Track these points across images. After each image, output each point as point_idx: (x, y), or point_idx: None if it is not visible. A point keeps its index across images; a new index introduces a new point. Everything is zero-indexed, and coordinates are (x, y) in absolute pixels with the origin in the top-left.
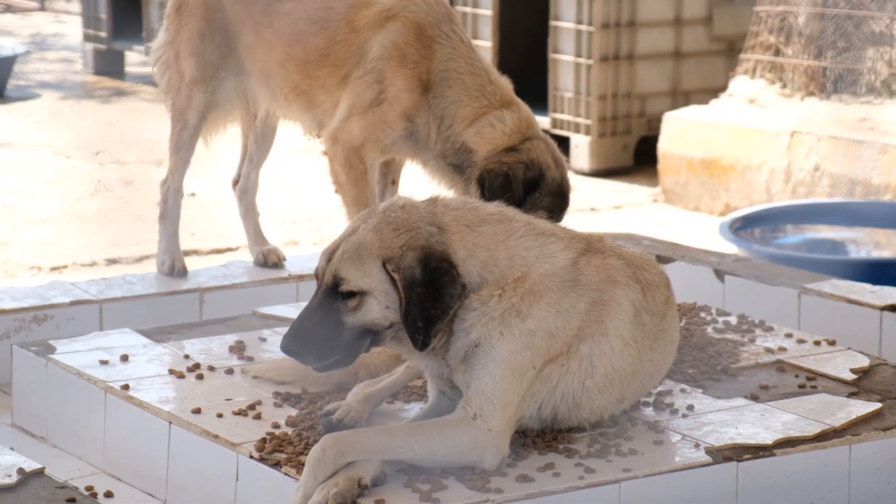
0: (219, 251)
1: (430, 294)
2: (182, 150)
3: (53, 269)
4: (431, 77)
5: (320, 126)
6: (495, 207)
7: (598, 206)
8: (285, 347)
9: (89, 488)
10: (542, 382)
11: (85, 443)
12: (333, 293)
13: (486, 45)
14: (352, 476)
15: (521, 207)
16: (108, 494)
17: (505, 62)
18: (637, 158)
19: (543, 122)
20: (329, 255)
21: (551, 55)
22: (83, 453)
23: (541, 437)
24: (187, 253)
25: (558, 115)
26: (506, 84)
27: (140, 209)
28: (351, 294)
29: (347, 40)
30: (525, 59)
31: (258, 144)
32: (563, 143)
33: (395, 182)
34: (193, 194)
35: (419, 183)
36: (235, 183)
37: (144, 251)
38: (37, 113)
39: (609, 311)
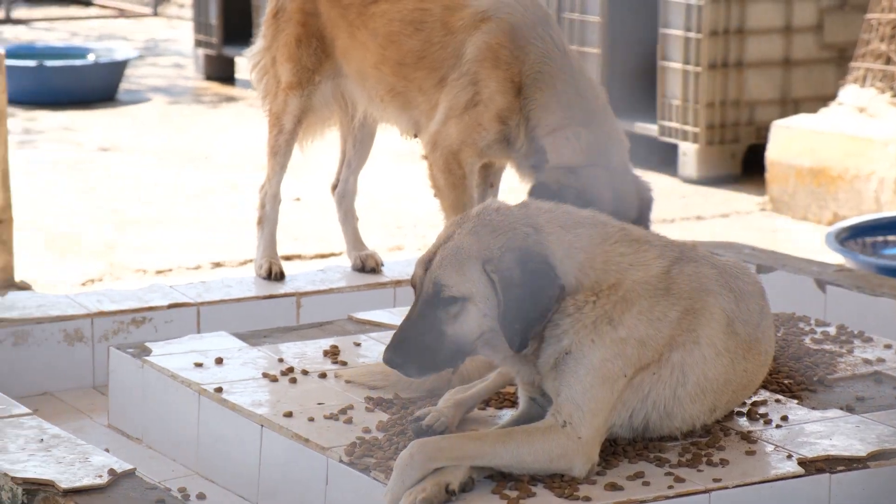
0: (322, 256)
1: (529, 296)
2: (279, 154)
3: (158, 272)
4: (523, 79)
5: (417, 127)
6: (588, 212)
7: (705, 215)
8: (388, 360)
9: (182, 490)
10: (633, 391)
11: (179, 445)
12: (434, 301)
13: (594, 52)
14: (439, 482)
15: None
16: (201, 496)
17: (613, 69)
18: (745, 167)
19: (651, 129)
20: (426, 263)
21: (660, 62)
22: (177, 455)
23: (632, 445)
24: (290, 257)
25: (666, 123)
26: (596, 96)
27: (245, 213)
28: (453, 300)
29: (443, 42)
30: (633, 66)
31: (357, 149)
32: (672, 150)
33: (493, 185)
34: (298, 199)
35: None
36: (334, 188)
37: (248, 255)
38: (146, 117)
39: (701, 319)
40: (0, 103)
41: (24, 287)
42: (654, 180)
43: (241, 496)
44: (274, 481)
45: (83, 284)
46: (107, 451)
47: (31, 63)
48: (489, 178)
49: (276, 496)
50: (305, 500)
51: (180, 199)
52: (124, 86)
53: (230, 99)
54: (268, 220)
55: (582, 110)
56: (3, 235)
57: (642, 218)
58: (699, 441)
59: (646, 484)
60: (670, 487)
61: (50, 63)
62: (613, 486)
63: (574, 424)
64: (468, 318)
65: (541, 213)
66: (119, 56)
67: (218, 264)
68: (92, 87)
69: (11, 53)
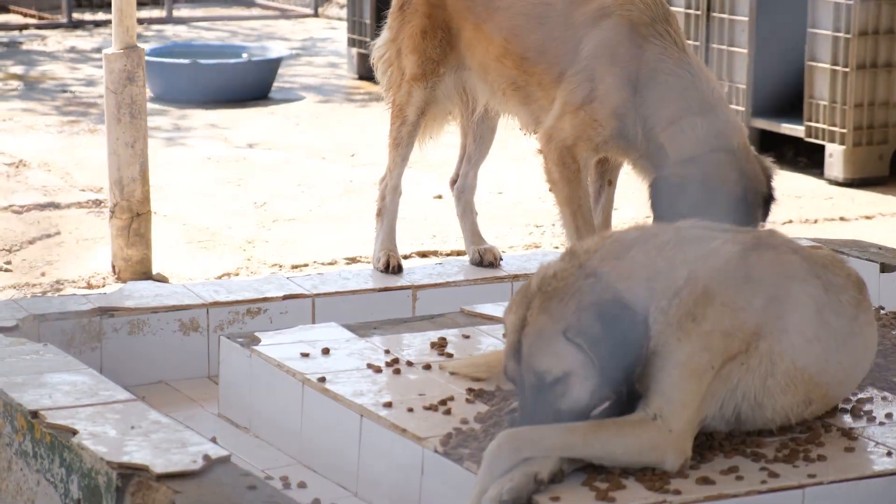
0: (459, 254)
1: (618, 344)
2: (401, 146)
3: (294, 266)
4: (640, 77)
5: (536, 122)
6: (635, 230)
7: (848, 216)
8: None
9: (284, 478)
10: (721, 382)
11: (284, 434)
12: (541, 389)
13: (742, 52)
14: (528, 472)
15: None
16: (302, 485)
17: (760, 70)
18: (893, 168)
19: (798, 130)
20: (515, 356)
21: (808, 63)
22: (282, 444)
23: (728, 440)
24: (426, 254)
25: (813, 124)
26: (712, 89)
27: None
28: (556, 381)
29: (563, 37)
30: (780, 66)
31: (477, 144)
32: (818, 151)
33: (611, 183)
34: (440, 196)
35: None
36: (453, 182)
37: None
38: (298, 115)
39: (788, 307)
40: (140, 98)
41: (160, 280)
42: (800, 182)
43: (342, 485)
44: (372, 471)
45: (218, 278)
46: (213, 439)
47: (185, 61)
48: (606, 175)
49: (375, 486)
50: (402, 490)
51: (324, 196)
52: (278, 84)
53: (380, 98)
54: (387, 213)
55: (697, 101)
56: (141, 229)
57: (769, 196)
58: (798, 437)
59: (739, 478)
60: (763, 482)
61: (203, 61)
62: (705, 480)
63: (665, 417)
64: (575, 389)
65: (592, 257)
66: (272, 55)
67: (353, 260)
68: (245, 86)
69: (167, 51)
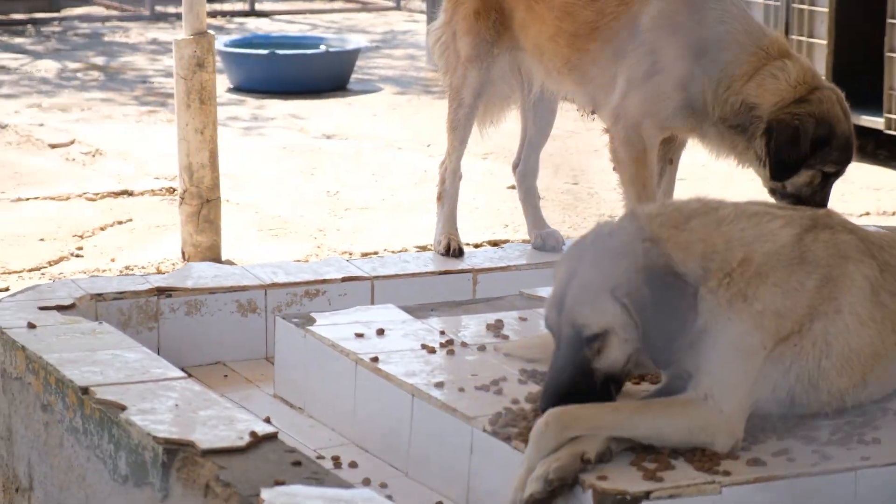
0: (529, 242)
1: (664, 311)
2: (458, 129)
3: (364, 254)
4: (704, 43)
5: (594, 103)
6: (696, 202)
7: None
8: (545, 409)
9: (335, 458)
10: (774, 363)
11: (338, 414)
12: (577, 342)
13: (821, 43)
14: (575, 451)
15: (805, 162)
16: (353, 465)
17: (840, 60)
18: None
19: (877, 123)
20: (558, 305)
21: (887, 54)
22: (336, 424)
23: (782, 422)
24: (497, 243)
25: (893, 116)
26: (782, 38)
27: (460, 200)
28: (594, 337)
29: (616, 13)
30: (860, 58)
31: (538, 127)
32: None
33: (672, 162)
34: (513, 187)
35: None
36: (515, 167)
37: None
38: (375, 106)
39: (841, 287)
40: (209, 84)
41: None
42: (879, 174)
43: (393, 465)
44: (423, 451)
45: None
46: (267, 419)
47: (263, 52)
48: (668, 154)
49: (425, 466)
50: (452, 469)
51: (397, 186)
52: (356, 76)
53: None
54: (448, 197)
55: (773, 49)
56: (210, 215)
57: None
58: (854, 420)
59: (790, 460)
60: (815, 465)
61: (281, 52)
62: (755, 462)
63: (715, 398)
64: (612, 348)
65: (652, 222)
66: (350, 46)
67: (424, 248)
68: (322, 77)
69: (245, 43)
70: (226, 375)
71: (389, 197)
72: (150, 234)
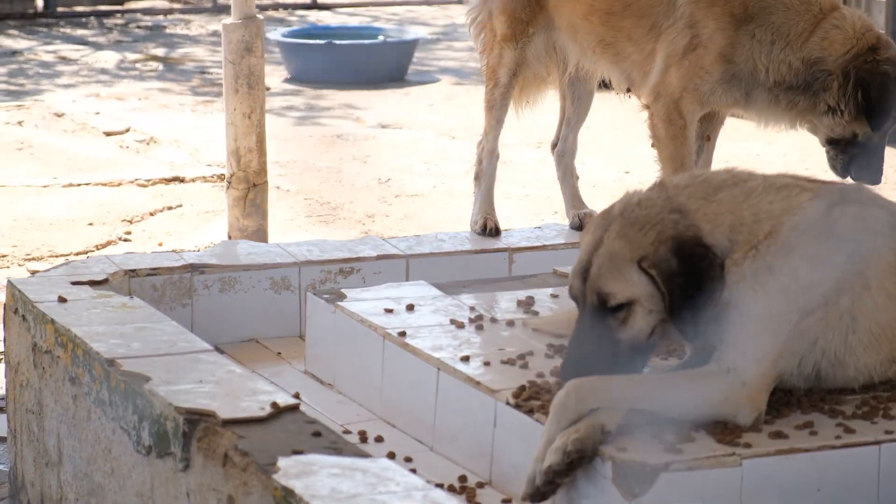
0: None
1: (692, 283)
2: (495, 108)
3: None
4: (748, 9)
5: (630, 80)
6: (725, 173)
7: None
8: (566, 379)
9: (361, 433)
10: (799, 338)
11: (366, 390)
12: (601, 311)
13: (880, 1)
14: (594, 423)
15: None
16: (379, 439)
17: None
18: None
19: None
20: (583, 273)
21: None
22: (364, 400)
23: (807, 397)
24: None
25: None
26: None
27: (508, 189)
28: (620, 307)
29: None
30: None
31: (576, 107)
32: None
33: (709, 138)
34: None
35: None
36: (554, 146)
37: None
38: (432, 96)
39: (869, 262)
40: (258, 69)
41: None
42: None
43: (419, 440)
44: (448, 425)
45: None
46: (296, 395)
47: (321, 42)
48: (706, 132)
49: (451, 440)
50: (476, 443)
51: (449, 174)
52: (415, 67)
53: None
54: (485, 176)
55: (823, 4)
56: (257, 199)
57: None
58: (880, 395)
59: (813, 433)
60: (838, 438)
61: (338, 42)
62: (778, 435)
63: (738, 370)
64: (637, 319)
65: (681, 192)
66: (408, 37)
67: None
68: (380, 67)
69: (304, 33)
70: (258, 352)
71: (440, 185)
72: (199, 220)
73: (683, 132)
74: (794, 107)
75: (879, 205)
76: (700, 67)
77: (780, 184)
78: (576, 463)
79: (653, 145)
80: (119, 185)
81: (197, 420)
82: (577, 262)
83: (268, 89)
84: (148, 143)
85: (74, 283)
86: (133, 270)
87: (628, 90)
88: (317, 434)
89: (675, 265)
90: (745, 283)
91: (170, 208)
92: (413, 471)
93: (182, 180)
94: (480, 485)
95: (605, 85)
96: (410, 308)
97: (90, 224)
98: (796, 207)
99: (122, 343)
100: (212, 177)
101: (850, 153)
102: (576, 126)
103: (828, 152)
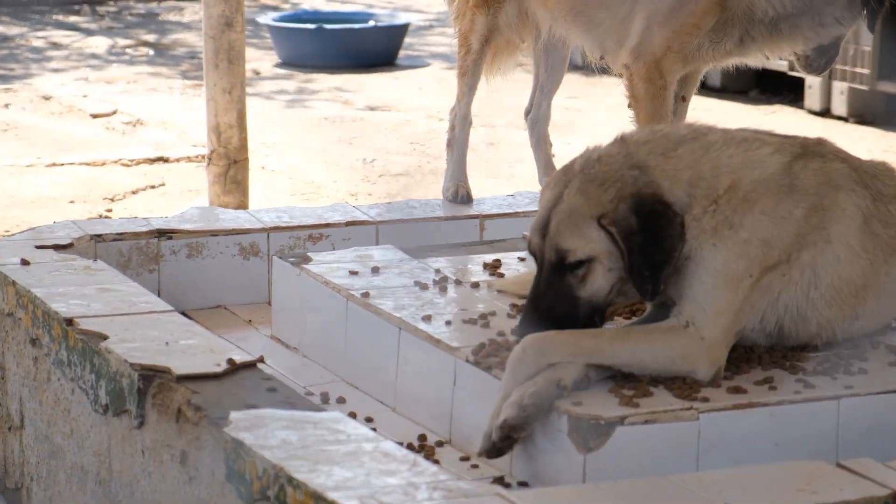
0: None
1: (651, 240)
2: (467, 75)
3: None
4: None
5: (602, 48)
6: (686, 127)
7: None
8: (522, 335)
9: (324, 394)
10: (761, 293)
11: (330, 352)
12: (560, 268)
13: None
14: (551, 378)
15: None
16: (341, 400)
17: (887, 32)
18: None
19: None
20: (542, 230)
21: None
22: (328, 362)
23: (768, 353)
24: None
25: None
26: None
27: (496, 168)
28: (578, 264)
29: None
30: None
31: (549, 74)
32: None
33: (685, 99)
34: (553, 155)
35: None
36: (527, 113)
37: None
38: (421, 80)
39: (831, 216)
40: (238, 44)
41: None
42: None
43: (381, 401)
44: (410, 385)
45: None
46: (261, 358)
47: (311, 26)
48: (681, 92)
49: (413, 400)
50: (437, 403)
51: (434, 154)
52: (406, 52)
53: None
54: (457, 143)
55: None
56: (237, 176)
57: None
58: (842, 352)
59: (772, 389)
60: (797, 393)
61: (329, 26)
62: (737, 390)
63: (697, 325)
64: (596, 276)
65: (641, 148)
66: (398, 21)
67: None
68: (370, 51)
69: (294, 18)
70: (226, 319)
71: (426, 164)
72: (181, 198)
73: (663, 92)
74: (795, 32)
75: (841, 158)
76: (689, 24)
77: (740, 137)
78: (532, 417)
79: (629, 105)
80: (103, 164)
81: (152, 376)
82: (536, 219)
83: (258, 73)
84: (134, 125)
85: (39, 247)
86: (99, 235)
87: (601, 58)
88: (272, 390)
89: (634, 223)
90: (705, 237)
91: (153, 187)
92: (373, 430)
93: (167, 160)
94: (440, 443)
95: (603, 70)
96: (376, 270)
97: (71, 202)
98: (757, 161)
99: (82, 303)
100: (197, 157)
101: (829, 54)
102: (549, 93)
103: (806, 56)
